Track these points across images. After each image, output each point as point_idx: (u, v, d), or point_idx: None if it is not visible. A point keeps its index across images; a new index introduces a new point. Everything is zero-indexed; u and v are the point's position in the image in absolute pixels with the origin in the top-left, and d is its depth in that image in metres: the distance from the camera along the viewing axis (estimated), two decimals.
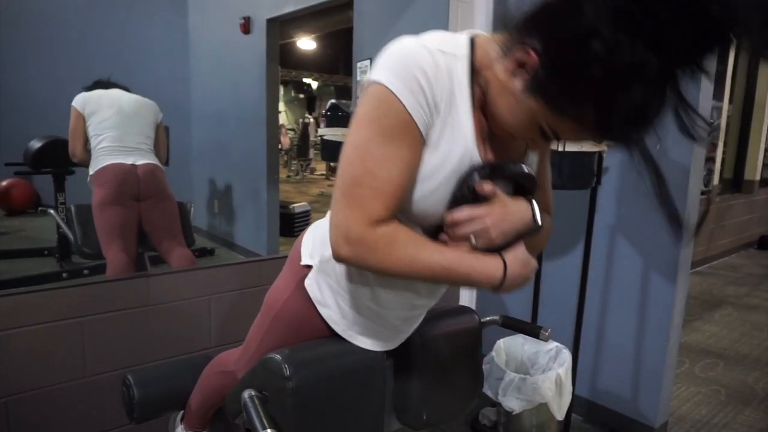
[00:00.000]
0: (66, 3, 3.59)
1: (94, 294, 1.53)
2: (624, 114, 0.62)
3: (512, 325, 1.22)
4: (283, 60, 6.57)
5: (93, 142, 2.22)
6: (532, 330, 1.17)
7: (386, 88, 0.71)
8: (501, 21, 0.75)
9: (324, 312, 0.92)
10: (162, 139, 2.43)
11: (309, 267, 0.93)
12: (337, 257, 0.76)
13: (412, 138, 0.73)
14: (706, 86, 1.84)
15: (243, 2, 4.04)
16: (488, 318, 1.22)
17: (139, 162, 2.27)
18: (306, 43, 6.90)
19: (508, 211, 0.78)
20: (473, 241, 0.77)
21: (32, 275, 3.02)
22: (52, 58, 3.68)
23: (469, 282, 0.78)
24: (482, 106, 0.78)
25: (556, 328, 2.10)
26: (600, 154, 1.81)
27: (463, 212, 0.76)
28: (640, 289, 2.02)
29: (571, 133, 0.71)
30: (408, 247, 0.75)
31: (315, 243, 0.93)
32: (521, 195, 0.82)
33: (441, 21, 2.28)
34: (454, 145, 0.75)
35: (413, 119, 0.72)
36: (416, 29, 0.82)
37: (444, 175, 0.76)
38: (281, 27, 3.96)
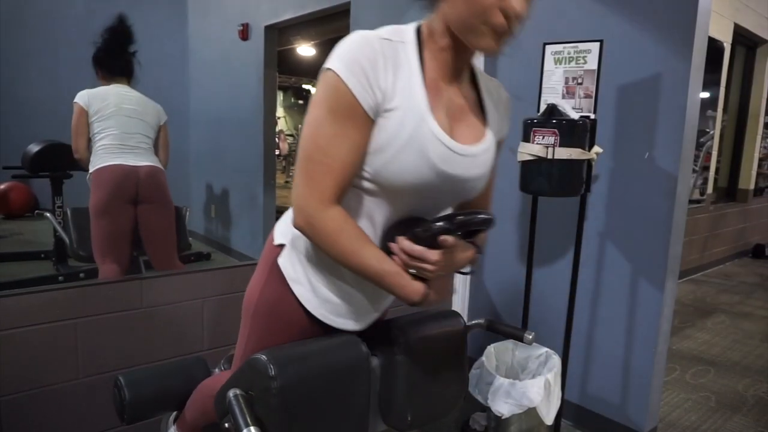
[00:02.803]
0: (65, 9, 3.63)
1: (88, 296, 1.55)
2: None
3: (497, 329, 1.24)
4: (282, 66, 6.60)
5: (95, 140, 2.20)
6: (516, 333, 1.19)
7: (335, 73, 0.80)
8: None
9: (297, 289, 0.96)
10: (165, 142, 2.41)
11: (282, 246, 0.98)
12: (295, 225, 0.87)
13: (359, 118, 0.82)
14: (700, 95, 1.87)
15: (242, 9, 4.08)
16: (474, 321, 1.23)
17: (141, 163, 2.25)
18: (305, 50, 6.95)
19: (455, 260, 0.88)
20: (413, 271, 0.86)
21: (29, 278, 3.03)
22: (51, 64, 3.72)
23: (392, 292, 0.89)
24: (440, 77, 0.88)
25: (546, 334, 2.13)
26: (589, 162, 1.83)
27: (415, 249, 0.84)
28: (629, 295, 2.04)
29: None
30: (354, 241, 0.84)
31: (287, 223, 0.97)
32: (475, 234, 0.91)
33: None
34: (407, 117, 0.83)
35: (358, 101, 0.81)
36: None
37: (400, 143, 0.83)
38: (280, 34, 3.99)
